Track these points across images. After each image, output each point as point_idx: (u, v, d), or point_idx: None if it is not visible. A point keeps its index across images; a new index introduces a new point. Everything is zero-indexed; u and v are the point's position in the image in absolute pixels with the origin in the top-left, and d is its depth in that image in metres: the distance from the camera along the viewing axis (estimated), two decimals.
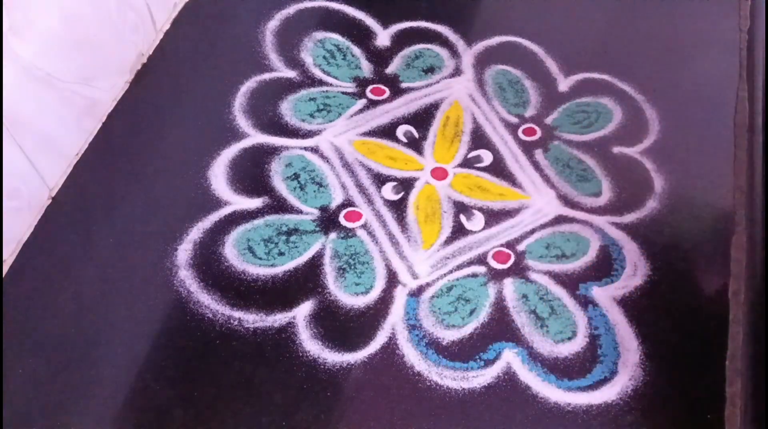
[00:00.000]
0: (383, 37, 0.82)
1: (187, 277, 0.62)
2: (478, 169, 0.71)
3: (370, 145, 0.72)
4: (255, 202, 0.67)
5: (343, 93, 0.77)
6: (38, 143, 0.63)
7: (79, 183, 0.68)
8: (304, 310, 0.61)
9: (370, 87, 0.77)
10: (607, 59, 0.81)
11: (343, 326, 0.60)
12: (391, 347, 0.59)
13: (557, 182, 0.70)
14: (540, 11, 0.85)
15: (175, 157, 0.71)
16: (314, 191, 0.69)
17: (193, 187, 0.68)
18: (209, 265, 0.63)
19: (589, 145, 0.73)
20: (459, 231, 0.67)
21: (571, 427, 0.56)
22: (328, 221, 0.66)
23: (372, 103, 0.76)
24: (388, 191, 0.69)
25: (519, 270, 0.64)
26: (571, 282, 0.63)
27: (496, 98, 0.77)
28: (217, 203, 0.67)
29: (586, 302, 0.62)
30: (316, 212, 0.67)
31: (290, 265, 0.63)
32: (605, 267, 0.64)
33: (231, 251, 0.64)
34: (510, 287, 0.63)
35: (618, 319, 0.61)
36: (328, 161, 0.71)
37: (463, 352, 0.59)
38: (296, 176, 0.70)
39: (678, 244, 0.66)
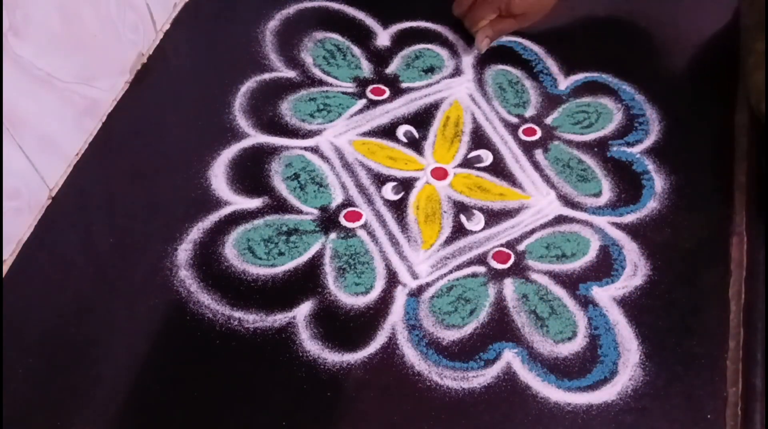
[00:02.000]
0: (383, 37, 0.82)
1: (187, 277, 0.62)
2: (478, 169, 0.71)
3: (370, 145, 0.73)
4: (255, 202, 0.67)
5: (343, 93, 0.77)
6: (38, 143, 0.63)
7: (79, 183, 0.68)
8: (304, 310, 0.61)
9: (370, 87, 0.77)
10: (607, 59, 0.81)
11: (343, 326, 0.60)
12: (391, 347, 0.59)
13: (557, 182, 0.70)
14: None
15: (175, 157, 0.71)
16: (314, 191, 0.69)
17: (193, 187, 0.68)
18: (209, 265, 0.63)
19: (589, 145, 0.74)
20: (459, 231, 0.67)
21: (571, 427, 0.56)
22: (328, 221, 0.66)
23: (372, 103, 0.76)
24: (388, 191, 0.69)
25: (519, 270, 0.64)
26: (571, 282, 0.63)
27: (496, 98, 0.77)
28: (217, 203, 0.67)
29: (586, 302, 0.62)
30: (316, 212, 0.67)
31: (290, 265, 0.63)
32: (605, 267, 0.64)
33: (231, 251, 0.64)
34: (510, 287, 0.63)
35: (618, 319, 0.61)
36: (328, 161, 0.71)
37: (463, 352, 0.59)
38: (296, 176, 0.70)
39: (678, 244, 0.66)
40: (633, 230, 0.67)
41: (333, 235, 0.66)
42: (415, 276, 0.63)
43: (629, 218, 0.68)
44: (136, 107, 0.74)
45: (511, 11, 0.76)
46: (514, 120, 0.75)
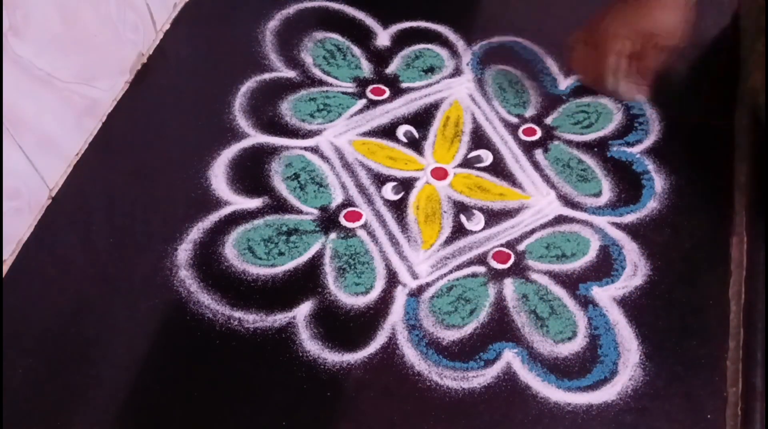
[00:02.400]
0: (383, 37, 0.82)
1: (187, 277, 0.62)
2: (478, 169, 0.71)
3: (370, 145, 0.73)
4: (255, 202, 0.67)
5: (343, 93, 0.77)
6: (38, 143, 0.63)
7: (79, 183, 0.68)
8: (304, 310, 0.61)
9: (370, 87, 0.77)
10: None
11: (343, 326, 0.60)
12: (391, 347, 0.59)
13: (557, 182, 0.70)
14: (540, 11, 0.86)
15: (175, 157, 0.71)
16: (314, 191, 0.69)
17: (193, 187, 0.68)
18: (209, 265, 0.63)
19: (589, 145, 0.74)
20: (459, 231, 0.67)
21: (571, 427, 0.56)
22: (328, 221, 0.67)
23: (372, 103, 0.76)
24: (388, 191, 0.69)
25: (519, 270, 0.64)
26: (571, 282, 0.63)
27: (496, 98, 0.77)
28: (217, 203, 0.67)
29: (586, 302, 0.62)
30: (316, 212, 0.67)
31: (290, 265, 0.63)
32: (605, 267, 0.64)
33: (231, 251, 0.64)
34: (510, 287, 0.63)
35: (618, 319, 0.61)
36: (328, 161, 0.71)
37: (463, 352, 0.59)
38: (296, 176, 0.70)
39: (678, 244, 0.66)
40: (633, 230, 0.67)
41: (333, 235, 0.66)
42: (415, 276, 0.63)
43: (629, 218, 0.68)
44: (136, 107, 0.74)
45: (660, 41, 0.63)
46: (514, 120, 0.75)
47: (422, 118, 0.75)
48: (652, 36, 0.62)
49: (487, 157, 0.72)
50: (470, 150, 0.73)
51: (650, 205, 0.69)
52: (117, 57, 0.74)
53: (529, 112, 0.76)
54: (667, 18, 0.62)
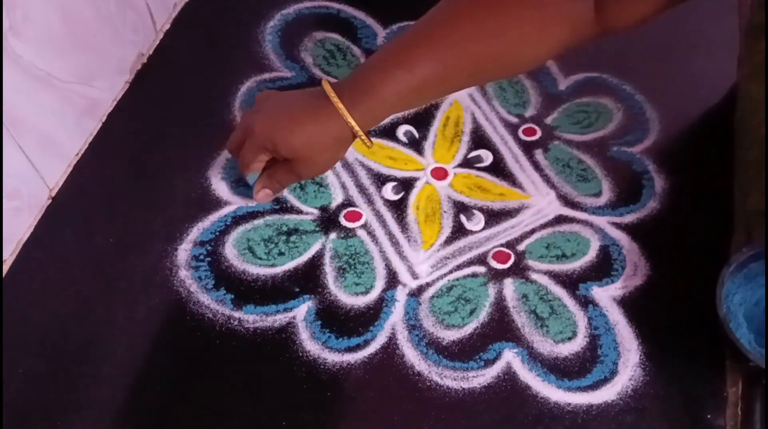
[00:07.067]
0: (384, 37, 0.82)
1: (187, 277, 0.62)
2: (478, 169, 0.71)
3: None
4: (255, 202, 0.67)
5: None
6: (38, 143, 0.63)
7: (79, 183, 0.68)
8: (304, 310, 0.61)
9: None
10: (607, 59, 0.81)
11: (343, 326, 0.60)
12: (391, 347, 0.59)
13: (557, 182, 0.71)
14: None
15: (175, 157, 0.71)
16: (314, 191, 0.69)
17: (193, 187, 0.68)
18: (209, 265, 0.63)
19: (589, 145, 0.74)
20: (459, 231, 0.67)
21: (571, 427, 0.56)
22: (328, 221, 0.66)
23: None
24: (388, 191, 0.69)
25: (519, 270, 0.64)
26: (571, 282, 0.63)
27: (496, 98, 0.77)
28: (217, 203, 0.67)
29: (586, 302, 0.62)
30: (316, 212, 0.67)
31: (290, 265, 0.63)
32: (605, 267, 0.65)
33: (231, 251, 0.64)
34: (510, 287, 0.63)
35: (618, 319, 0.61)
36: None
37: (463, 352, 0.59)
38: None
39: (678, 244, 0.66)
40: (633, 230, 0.67)
41: (333, 235, 0.66)
42: (415, 276, 0.63)
43: (629, 218, 0.68)
44: (136, 107, 0.74)
45: (280, 153, 0.61)
46: (514, 120, 0.75)
47: (422, 118, 0.75)
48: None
49: (487, 157, 0.72)
50: (470, 150, 0.73)
51: (650, 205, 0.69)
52: (117, 57, 0.74)
53: (529, 112, 0.76)
54: None
